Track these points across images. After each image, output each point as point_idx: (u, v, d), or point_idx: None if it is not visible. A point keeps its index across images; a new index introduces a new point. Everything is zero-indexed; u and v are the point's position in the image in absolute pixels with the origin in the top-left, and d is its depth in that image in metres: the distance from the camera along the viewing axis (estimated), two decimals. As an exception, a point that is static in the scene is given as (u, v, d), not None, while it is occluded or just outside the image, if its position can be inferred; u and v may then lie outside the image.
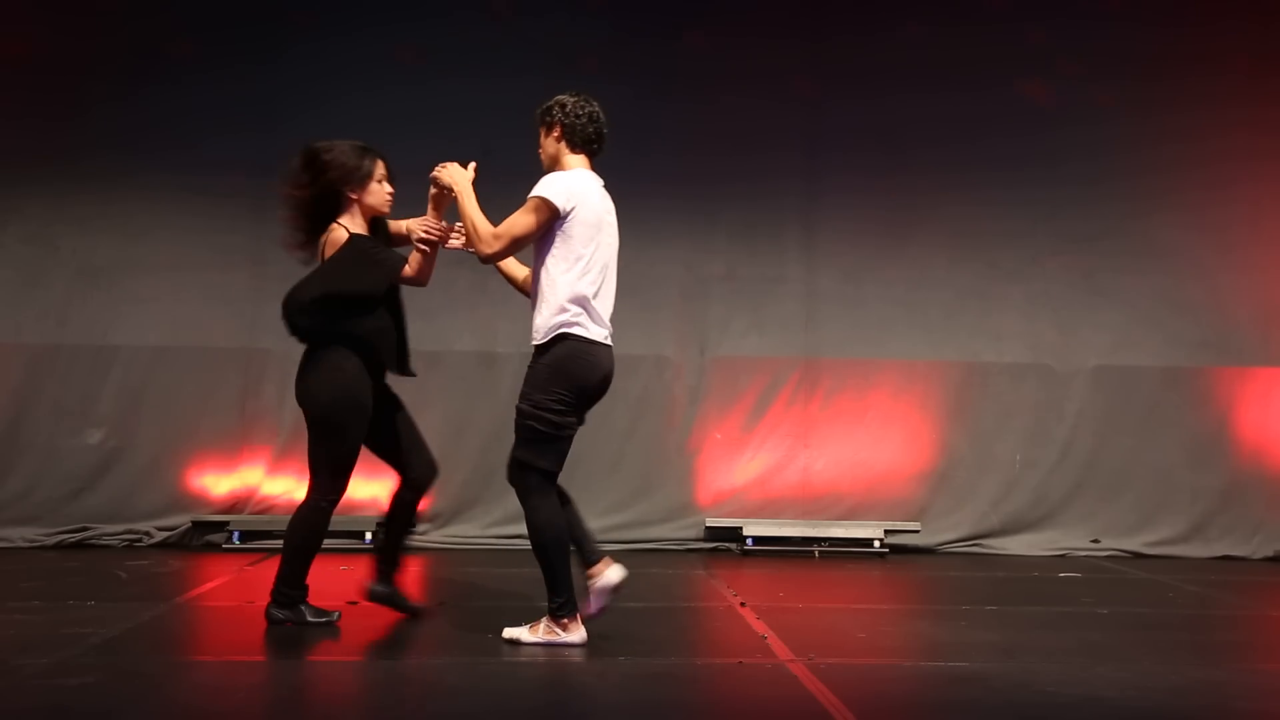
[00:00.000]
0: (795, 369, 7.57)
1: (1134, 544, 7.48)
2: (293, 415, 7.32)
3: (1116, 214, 7.63)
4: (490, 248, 4.49)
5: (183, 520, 7.17)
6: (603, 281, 4.50)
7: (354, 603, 5.30)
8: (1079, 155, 7.60)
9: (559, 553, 4.43)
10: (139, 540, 7.07)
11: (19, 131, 7.22)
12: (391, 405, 4.94)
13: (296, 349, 7.26)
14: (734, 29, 7.62)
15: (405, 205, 7.33)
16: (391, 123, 7.39)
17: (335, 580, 6.12)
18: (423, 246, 4.68)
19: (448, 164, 4.66)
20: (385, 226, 5.00)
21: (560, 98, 4.58)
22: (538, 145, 4.65)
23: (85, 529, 7.05)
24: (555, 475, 4.48)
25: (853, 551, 7.26)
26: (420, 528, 7.25)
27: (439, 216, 4.71)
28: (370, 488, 7.32)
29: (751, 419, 7.53)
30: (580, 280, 4.43)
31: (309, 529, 4.78)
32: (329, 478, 4.76)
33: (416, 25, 7.43)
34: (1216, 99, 7.63)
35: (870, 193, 7.59)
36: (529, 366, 4.51)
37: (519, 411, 4.46)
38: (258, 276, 7.35)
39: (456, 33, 7.48)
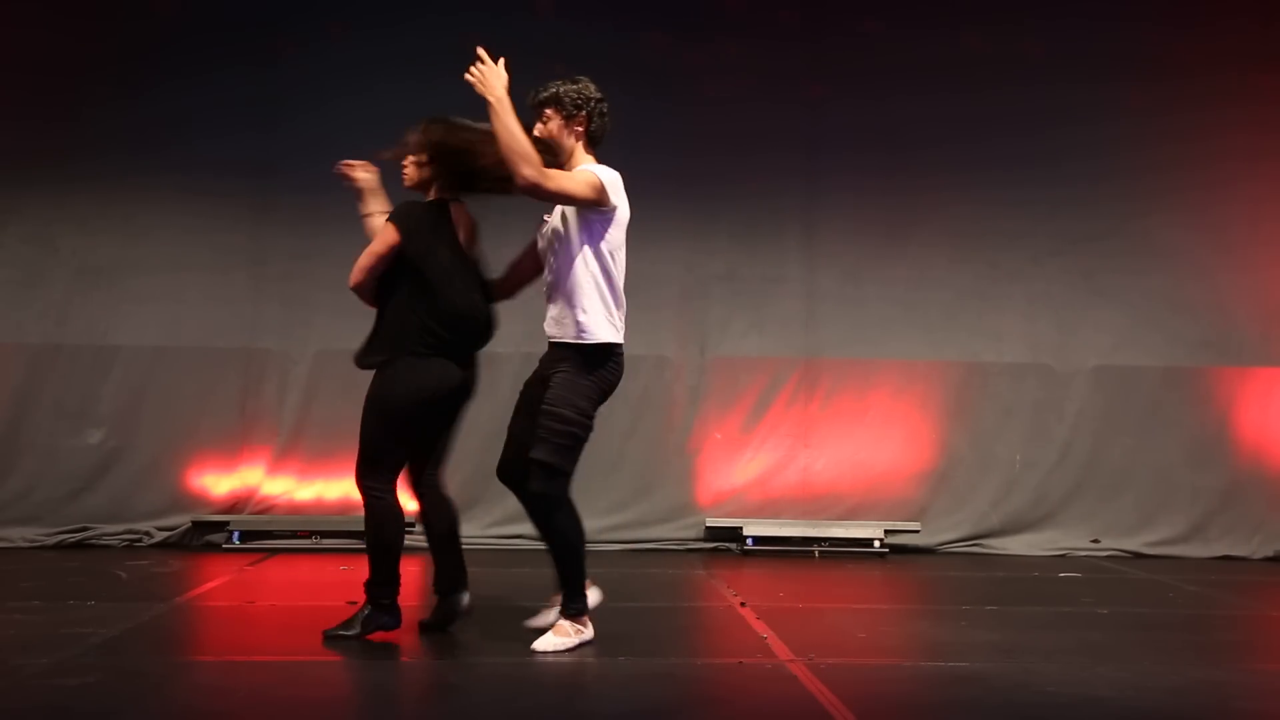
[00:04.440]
0: (795, 369, 7.57)
1: (1134, 544, 7.47)
2: (292, 415, 7.39)
3: (1116, 214, 7.64)
4: (534, 179, 4.13)
5: (183, 520, 7.16)
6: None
7: (353, 602, 5.29)
8: (1079, 155, 7.60)
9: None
10: (139, 540, 7.07)
11: (19, 131, 7.22)
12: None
13: (297, 349, 7.39)
14: (735, 30, 7.61)
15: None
16: (391, 123, 7.41)
17: (335, 580, 6.14)
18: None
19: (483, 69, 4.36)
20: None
21: (588, 88, 4.50)
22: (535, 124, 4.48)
23: (85, 529, 7.05)
24: None
25: (853, 551, 7.26)
26: (419, 528, 7.27)
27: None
28: (370, 488, 7.32)
29: (751, 419, 7.53)
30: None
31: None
32: None
33: (417, 25, 7.42)
34: (1216, 99, 7.63)
35: (870, 193, 7.59)
36: (564, 371, 4.46)
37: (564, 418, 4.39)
38: (258, 276, 7.37)
39: (457, 33, 7.45)
